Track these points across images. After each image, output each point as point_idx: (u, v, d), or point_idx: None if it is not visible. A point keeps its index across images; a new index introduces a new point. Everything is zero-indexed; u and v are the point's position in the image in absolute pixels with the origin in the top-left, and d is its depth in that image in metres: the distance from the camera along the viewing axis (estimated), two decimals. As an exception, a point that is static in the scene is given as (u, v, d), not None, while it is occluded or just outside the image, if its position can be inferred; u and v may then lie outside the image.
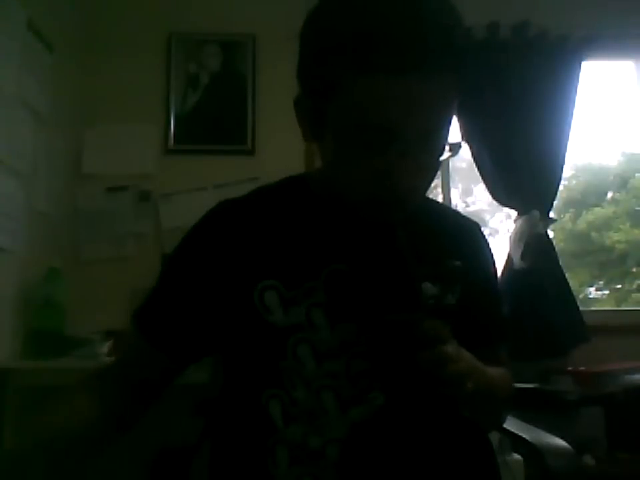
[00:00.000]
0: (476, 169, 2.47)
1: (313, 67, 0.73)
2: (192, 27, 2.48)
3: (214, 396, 0.91)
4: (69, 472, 0.77)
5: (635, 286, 3.97)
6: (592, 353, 2.23)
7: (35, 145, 1.95)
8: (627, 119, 3.45)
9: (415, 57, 0.64)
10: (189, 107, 2.44)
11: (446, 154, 0.74)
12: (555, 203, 2.46)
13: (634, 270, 3.97)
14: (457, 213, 1.02)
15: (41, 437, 0.77)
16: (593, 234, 4.16)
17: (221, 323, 0.83)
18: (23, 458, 0.72)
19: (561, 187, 2.48)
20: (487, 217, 4.19)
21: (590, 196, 4.36)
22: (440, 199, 2.57)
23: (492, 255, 0.94)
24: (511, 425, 1.12)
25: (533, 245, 2.33)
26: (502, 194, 2.44)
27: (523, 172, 2.38)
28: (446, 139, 0.73)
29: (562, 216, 4.09)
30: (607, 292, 4.13)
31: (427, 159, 0.72)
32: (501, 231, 3.93)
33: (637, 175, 4.10)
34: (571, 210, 4.26)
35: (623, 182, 4.22)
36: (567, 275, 2.42)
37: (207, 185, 2.32)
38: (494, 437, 1.51)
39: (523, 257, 2.33)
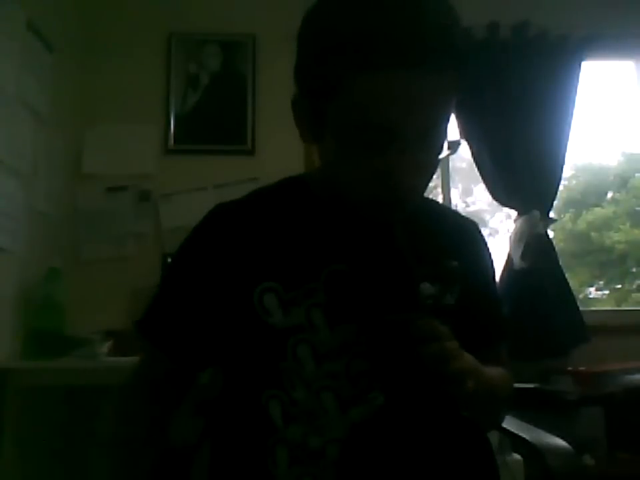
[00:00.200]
0: (476, 169, 2.47)
1: (312, 67, 0.73)
2: (192, 26, 2.48)
3: (214, 396, 0.91)
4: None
5: (634, 286, 3.97)
6: (592, 352, 2.23)
7: (35, 145, 1.95)
8: (627, 119, 3.46)
9: (416, 55, 0.65)
10: (188, 107, 2.44)
11: (445, 152, 0.74)
12: (555, 203, 2.46)
13: (634, 270, 3.98)
14: (455, 213, 1.02)
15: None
16: (593, 234, 4.16)
17: (221, 324, 0.83)
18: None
19: (561, 187, 2.48)
20: (487, 216, 4.20)
21: (590, 196, 4.36)
22: (440, 199, 2.57)
23: (490, 254, 0.94)
24: (511, 424, 1.12)
25: (533, 244, 2.33)
26: (502, 194, 2.44)
27: (523, 172, 2.38)
28: (445, 136, 0.73)
29: (562, 216, 4.09)
30: (607, 292, 4.14)
31: (427, 157, 0.73)
32: (501, 230, 3.93)
33: (636, 174, 4.10)
34: (571, 210, 4.27)
35: (623, 182, 4.23)
36: (567, 275, 2.42)
37: (207, 184, 2.33)
38: (494, 437, 1.51)
39: (523, 257, 2.33)
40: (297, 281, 0.79)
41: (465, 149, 2.48)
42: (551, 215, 2.45)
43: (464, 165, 3.22)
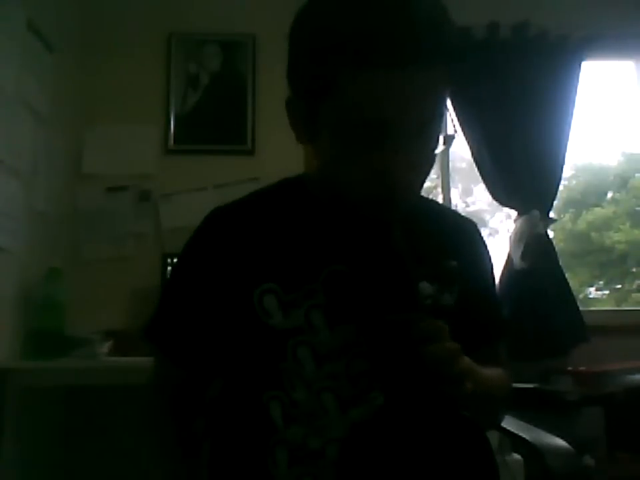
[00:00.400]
0: (476, 169, 2.47)
1: (308, 67, 0.73)
2: (192, 27, 2.48)
3: (214, 396, 0.91)
4: None
5: (634, 286, 3.97)
6: (592, 353, 2.23)
7: (35, 145, 1.95)
8: (627, 119, 3.45)
9: (410, 53, 0.66)
10: (188, 107, 2.44)
11: (440, 147, 0.74)
12: (555, 203, 2.46)
13: (634, 270, 3.98)
14: (454, 213, 1.02)
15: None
16: (593, 234, 4.16)
17: (222, 326, 0.83)
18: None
19: (561, 187, 2.48)
20: (487, 216, 4.19)
21: (590, 196, 4.36)
22: (440, 199, 2.56)
23: (489, 254, 0.94)
24: (511, 424, 1.12)
25: (533, 245, 2.33)
26: (502, 194, 2.44)
27: (523, 172, 2.38)
28: (439, 132, 0.74)
29: (562, 216, 4.09)
30: (607, 292, 4.14)
31: (422, 154, 0.73)
32: (501, 230, 3.93)
33: (636, 174, 4.10)
34: (571, 210, 4.27)
35: (623, 182, 4.22)
36: (566, 275, 2.42)
37: (207, 185, 2.33)
38: (494, 436, 1.51)
39: (523, 257, 2.33)
40: (296, 282, 0.80)
41: (465, 149, 2.49)
42: (551, 214, 2.45)
43: (464, 165, 3.22)
